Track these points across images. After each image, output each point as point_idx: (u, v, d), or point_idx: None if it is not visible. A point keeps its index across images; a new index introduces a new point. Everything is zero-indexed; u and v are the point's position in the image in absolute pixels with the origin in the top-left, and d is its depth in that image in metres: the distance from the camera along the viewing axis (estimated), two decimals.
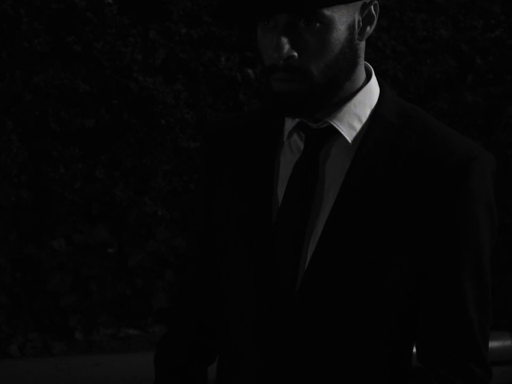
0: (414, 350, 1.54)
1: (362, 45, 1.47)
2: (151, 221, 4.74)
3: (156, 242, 4.75)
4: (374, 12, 1.45)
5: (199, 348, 1.70)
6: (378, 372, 1.49)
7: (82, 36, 4.63)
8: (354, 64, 1.46)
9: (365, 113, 1.50)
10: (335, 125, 1.48)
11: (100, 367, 3.95)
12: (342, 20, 1.41)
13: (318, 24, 1.39)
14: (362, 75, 1.50)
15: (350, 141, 1.48)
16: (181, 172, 4.80)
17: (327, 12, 1.38)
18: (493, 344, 3.62)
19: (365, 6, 1.44)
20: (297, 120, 1.50)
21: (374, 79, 1.52)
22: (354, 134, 1.49)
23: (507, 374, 3.71)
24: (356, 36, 1.44)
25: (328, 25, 1.39)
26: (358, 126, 1.49)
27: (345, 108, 1.48)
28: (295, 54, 1.40)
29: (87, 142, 4.73)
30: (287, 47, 1.39)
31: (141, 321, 4.75)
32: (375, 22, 1.46)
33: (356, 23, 1.44)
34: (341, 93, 1.47)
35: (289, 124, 1.52)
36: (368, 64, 1.53)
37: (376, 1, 1.46)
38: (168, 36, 4.73)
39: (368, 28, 1.46)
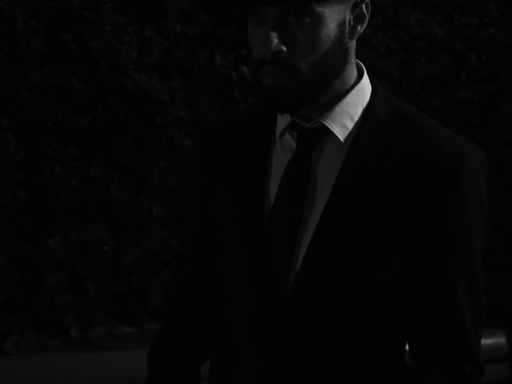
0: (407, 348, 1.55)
1: (353, 43, 1.47)
2: (148, 220, 4.74)
3: (152, 240, 4.75)
4: (365, 11, 1.45)
5: (195, 347, 1.70)
6: (375, 371, 1.49)
7: (79, 34, 4.63)
8: (344, 62, 1.46)
9: (357, 112, 1.49)
10: (327, 124, 1.47)
11: (96, 364, 3.94)
12: (332, 16, 1.40)
13: (308, 20, 1.39)
14: (354, 74, 1.50)
15: (342, 140, 1.48)
16: (177, 170, 4.80)
17: (317, 7, 1.38)
18: (487, 341, 3.63)
19: (356, 5, 1.44)
20: (289, 119, 1.50)
21: (366, 77, 1.52)
22: (346, 133, 1.48)
23: (501, 372, 3.71)
24: (347, 34, 1.44)
25: (318, 20, 1.39)
26: (351, 125, 1.48)
27: (338, 107, 1.48)
28: (284, 48, 1.40)
29: (84, 141, 4.73)
30: (275, 41, 1.39)
31: (136, 319, 4.76)
32: (366, 21, 1.46)
33: (347, 21, 1.43)
34: (331, 91, 1.47)
35: (282, 123, 1.52)
36: (360, 62, 1.53)
37: (367, 1, 1.45)
38: (163, 34, 4.73)
39: (359, 27, 1.45)
